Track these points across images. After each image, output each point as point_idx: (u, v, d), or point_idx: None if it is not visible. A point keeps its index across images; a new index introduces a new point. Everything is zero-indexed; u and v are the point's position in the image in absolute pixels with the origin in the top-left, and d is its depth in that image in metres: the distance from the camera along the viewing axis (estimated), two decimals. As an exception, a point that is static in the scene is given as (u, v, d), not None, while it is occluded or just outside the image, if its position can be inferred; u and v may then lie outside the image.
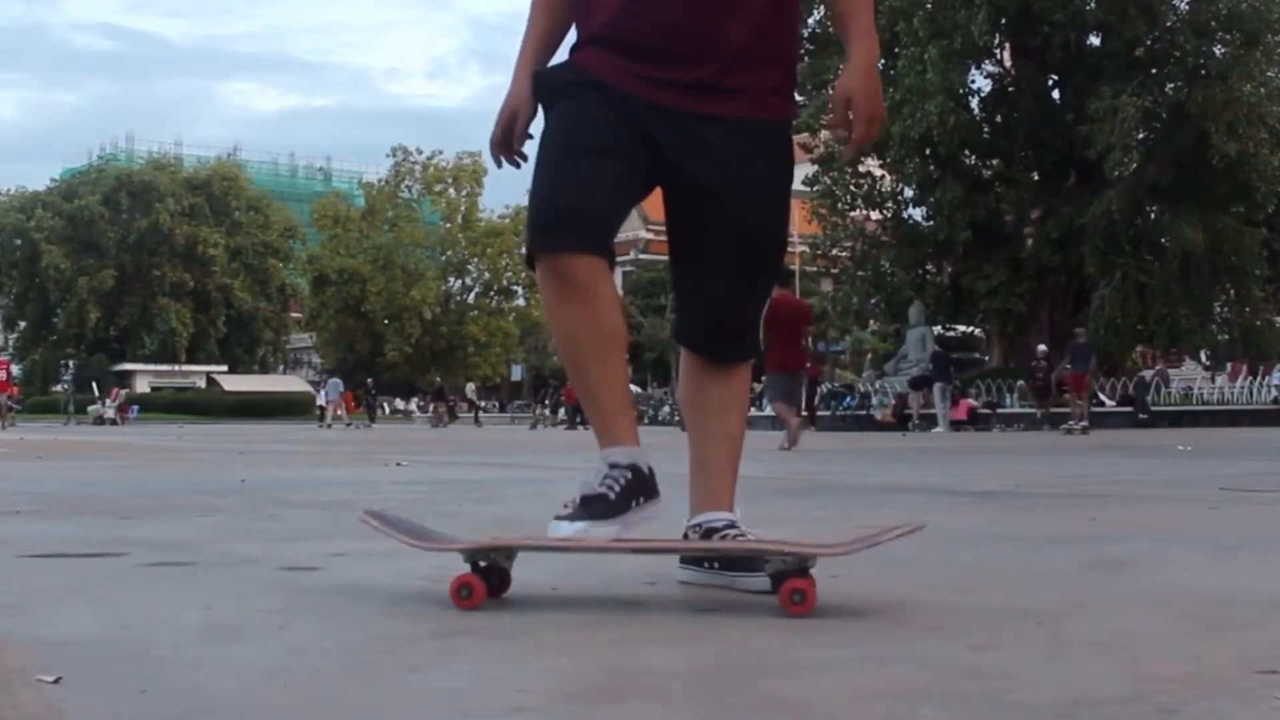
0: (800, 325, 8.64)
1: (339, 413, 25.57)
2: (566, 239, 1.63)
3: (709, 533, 1.70)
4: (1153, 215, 22.00)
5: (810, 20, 22.18)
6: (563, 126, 1.69)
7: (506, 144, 1.78)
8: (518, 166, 1.82)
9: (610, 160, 1.65)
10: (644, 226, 40.62)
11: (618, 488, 1.64)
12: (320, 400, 29.17)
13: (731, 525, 1.71)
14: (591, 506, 1.62)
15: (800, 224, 31.24)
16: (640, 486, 1.66)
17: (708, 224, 1.72)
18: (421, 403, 40.78)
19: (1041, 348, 18.77)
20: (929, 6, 20.86)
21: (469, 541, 1.66)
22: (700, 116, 1.66)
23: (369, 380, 34.53)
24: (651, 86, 1.66)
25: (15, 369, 42.86)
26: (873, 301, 23.19)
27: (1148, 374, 21.05)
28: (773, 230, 1.75)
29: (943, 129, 20.32)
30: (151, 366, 47.56)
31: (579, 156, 1.66)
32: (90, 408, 32.20)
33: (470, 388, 37.16)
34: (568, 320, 1.66)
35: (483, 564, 1.57)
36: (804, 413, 19.88)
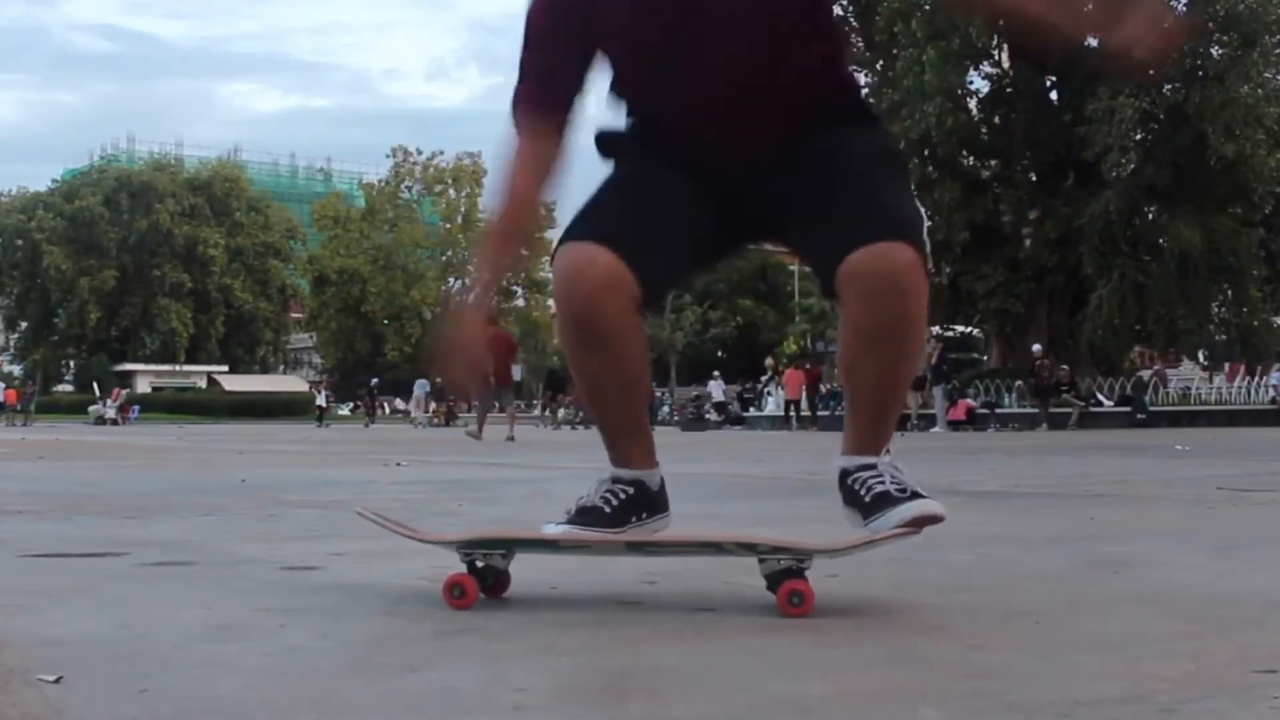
0: (509, 354, 12.53)
1: (425, 411, 25.49)
2: (599, 233, 1.51)
3: (841, 477, 1.58)
4: (1150, 216, 22.03)
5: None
6: (620, 178, 1.61)
7: (470, 372, 1.64)
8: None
9: (667, 209, 1.57)
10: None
11: (615, 501, 1.61)
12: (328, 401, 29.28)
13: (852, 472, 1.56)
14: (586, 516, 1.60)
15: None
16: (643, 502, 1.62)
17: (805, 210, 1.57)
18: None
19: (1037, 348, 18.79)
20: (927, 8, 20.86)
21: (463, 532, 1.65)
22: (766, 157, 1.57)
23: (373, 381, 34.57)
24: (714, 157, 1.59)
25: (16, 369, 42.92)
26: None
27: (1145, 374, 21.07)
28: (870, 158, 1.59)
29: (941, 130, 20.33)
30: (152, 366, 47.62)
31: (627, 197, 1.58)
32: (91, 408, 32.28)
33: (420, 384, 37.17)
34: (589, 358, 1.56)
35: (479, 564, 1.57)
36: (806, 412, 19.96)
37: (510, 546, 1.58)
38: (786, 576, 1.50)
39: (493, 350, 13.17)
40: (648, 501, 1.63)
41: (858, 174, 1.57)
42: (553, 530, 1.60)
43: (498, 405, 12.35)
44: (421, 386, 27.12)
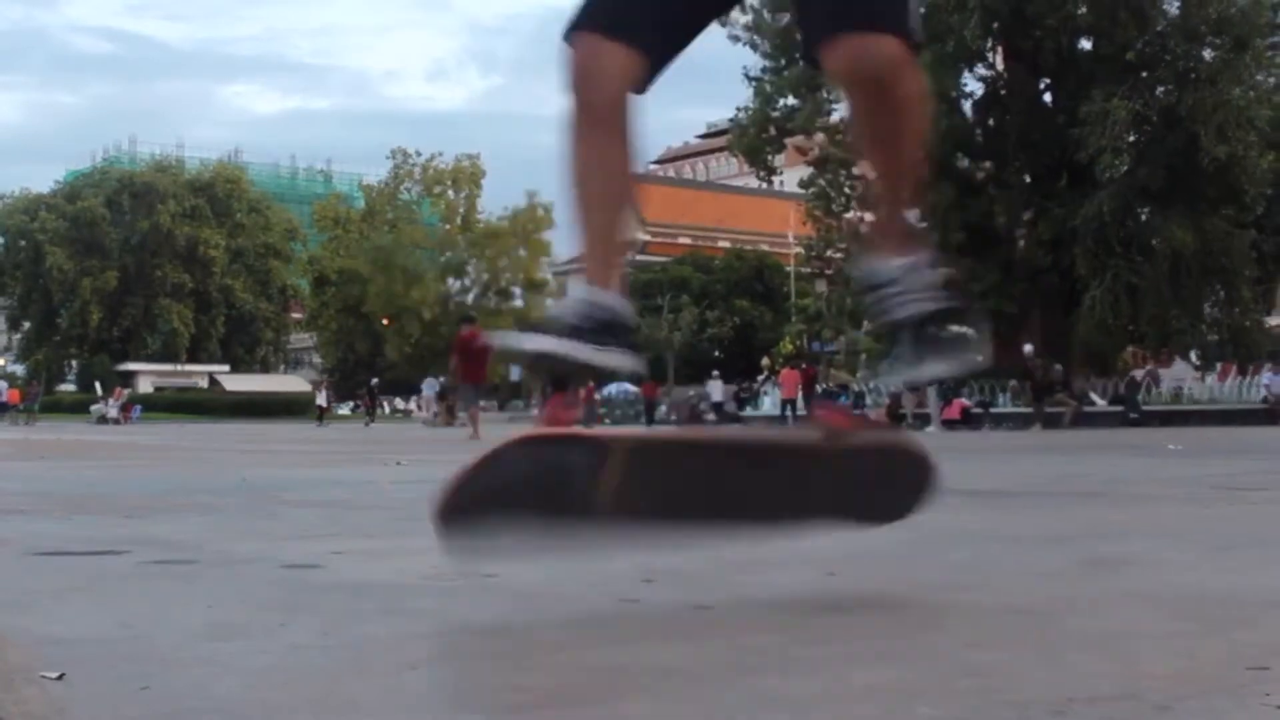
0: (484, 353, 12.33)
1: (433, 411, 25.36)
2: (583, 22, 1.48)
3: (872, 288, 1.51)
4: (1143, 217, 22.08)
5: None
6: None
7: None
8: None
9: None
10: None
11: (590, 323, 1.48)
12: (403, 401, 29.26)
13: (880, 285, 1.50)
14: (566, 331, 1.48)
15: (795, 225, 31.27)
16: (617, 329, 1.50)
17: None
18: (422, 402, 40.75)
19: (1027, 348, 18.83)
20: (922, 10, 20.85)
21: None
22: None
23: (373, 380, 34.56)
24: None
25: (19, 369, 42.86)
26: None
27: (1138, 374, 21.12)
28: None
29: (935, 132, 20.26)
30: (154, 366, 47.60)
31: None
32: (93, 407, 32.27)
33: (428, 384, 37.31)
34: (582, 148, 1.50)
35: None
36: (802, 412, 19.95)
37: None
38: None
39: (467, 349, 13.88)
40: (619, 331, 1.51)
41: None
42: (547, 344, 1.46)
43: (476, 402, 12.85)
44: (430, 386, 27.16)
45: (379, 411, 34.91)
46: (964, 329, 1.43)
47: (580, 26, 1.52)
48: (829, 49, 1.44)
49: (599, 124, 1.51)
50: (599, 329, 1.48)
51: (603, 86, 1.50)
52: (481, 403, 13.83)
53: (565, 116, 1.53)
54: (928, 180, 1.55)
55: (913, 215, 1.51)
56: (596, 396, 32.24)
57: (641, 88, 1.54)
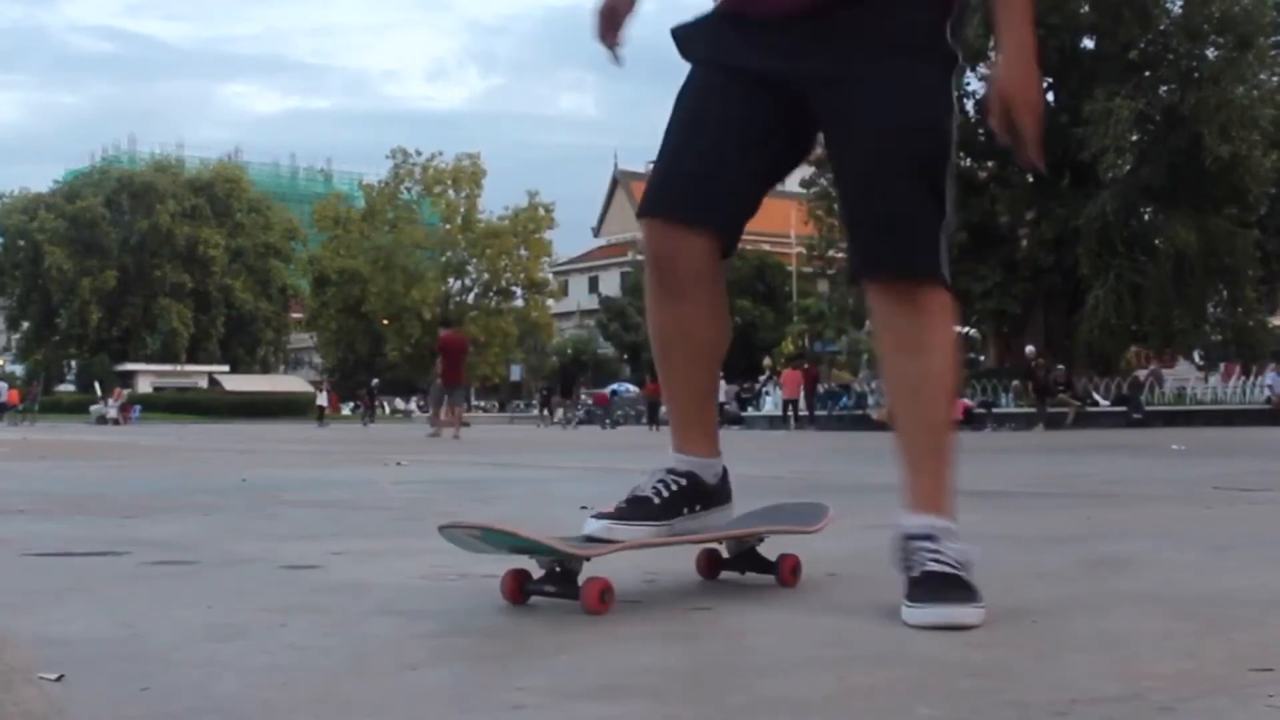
0: (462, 354, 13.32)
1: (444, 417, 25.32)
2: (656, 207, 1.55)
3: (901, 539, 1.47)
4: (1146, 217, 22.08)
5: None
6: (681, 99, 1.59)
7: (603, 36, 1.68)
8: (619, 63, 1.69)
9: (725, 128, 1.53)
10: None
11: (666, 493, 1.59)
12: (319, 400, 29.33)
13: (921, 536, 1.44)
14: (636, 508, 1.58)
15: (797, 225, 31.28)
16: (695, 494, 1.60)
17: (834, 130, 1.54)
18: (421, 402, 40.75)
19: (1030, 349, 18.82)
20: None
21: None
22: (816, 21, 1.50)
23: (374, 381, 34.60)
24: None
25: (18, 369, 42.92)
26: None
27: (1142, 374, 21.10)
28: (902, 120, 1.49)
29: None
30: (154, 367, 47.64)
31: (687, 126, 1.56)
32: (93, 407, 32.32)
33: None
34: (660, 316, 1.59)
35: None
36: (804, 412, 19.98)
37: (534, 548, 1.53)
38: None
39: (446, 351, 14.45)
40: (701, 493, 1.61)
41: (880, 162, 1.48)
42: (590, 527, 1.57)
43: (459, 402, 13.46)
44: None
45: (379, 412, 34.91)
46: (962, 618, 1.38)
47: (652, 213, 1.56)
48: (869, 287, 1.53)
49: (680, 299, 1.57)
50: (673, 500, 1.58)
51: (679, 268, 1.55)
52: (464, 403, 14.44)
53: (647, 285, 1.60)
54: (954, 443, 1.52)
55: (948, 475, 1.49)
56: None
57: (725, 254, 1.60)
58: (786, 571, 1.69)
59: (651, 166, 1.63)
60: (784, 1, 1.51)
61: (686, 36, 1.62)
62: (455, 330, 14.65)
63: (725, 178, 1.55)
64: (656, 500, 1.59)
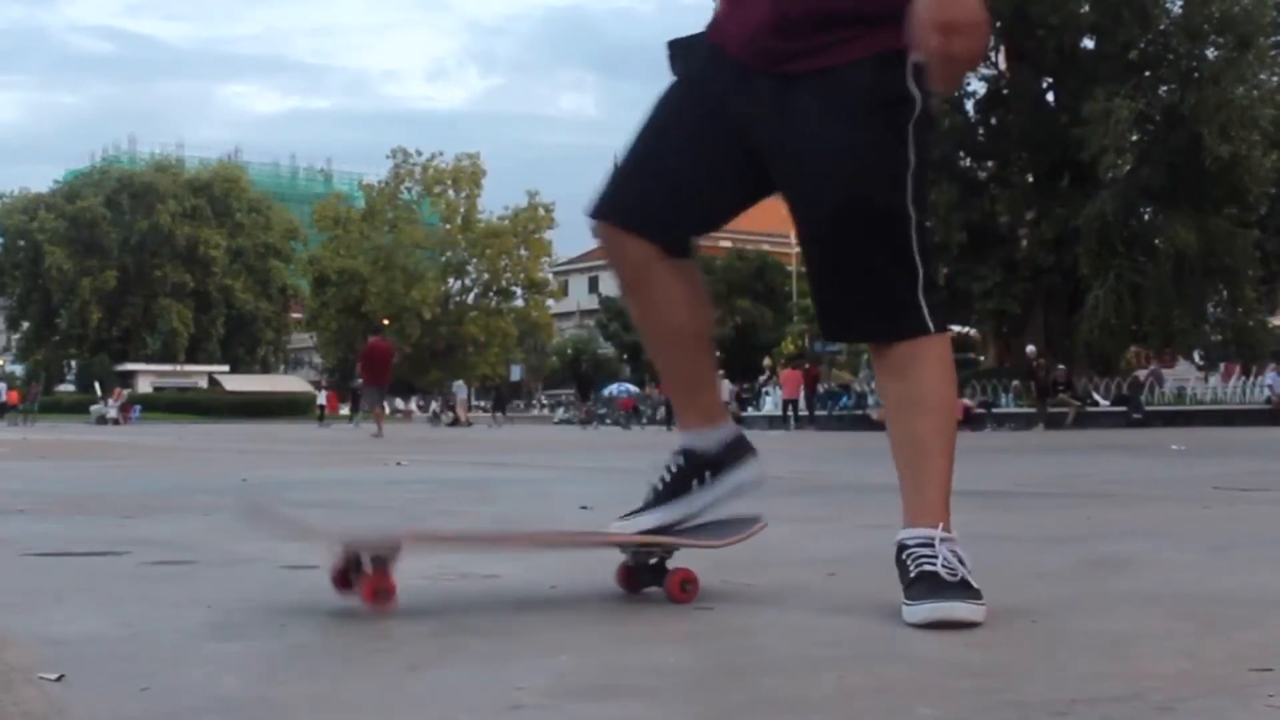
0: (386, 359, 14.05)
1: (463, 413, 25.83)
2: (598, 210, 1.60)
3: (898, 551, 1.48)
4: (1146, 217, 22.08)
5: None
6: (653, 112, 1.61)
7: None
8: None
9: (691, 151, 1.56)
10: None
11: (668, 477, 1.63)
12: (405, 404, 29.92)
13: (917, 544, 1.45)
14: (649, 499, 1.63)
15: (797, 225, 30.92)
16: (700, 466, 1.62)
17: (786, 191, 1.56)
18: (421, 402, 40.73)
19: (1031, 349, 18.82)
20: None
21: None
22: (773, 78, 1.51)
23: (358, 380, 34.59)
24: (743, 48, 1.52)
25: (18, 369, 42.91)
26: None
27: (1141, 374, 21.09)
28: (855, 190, 1.48)
29: (938, 132, 20.33)
30: (154, 367, 47.63)
31: (647, 139, 1.59)
32: (93, 407, 32.32)
33: (459, 385, 37.56)
34: (631, 307, 1.66)
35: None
36: (804, 412, 19.97)
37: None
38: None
39: (373, 357, 15.34)
40: (706, 463, 1.62)
41: (834, 229, 1.49)
42: (614, 528, 1.62)
43: (378, 402, 14.23)
44: (460, 389, 27.95)
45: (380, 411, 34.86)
46: (965, 614, 1.39)
47: (599, 215, 1.61)
48: (873, 352, 1.57)
49: (637, 290, 1.63)
50: (676, 481, 1.62)
51: (628, 265, 1.60)
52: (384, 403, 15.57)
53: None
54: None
55: (945, 490, 1.51)
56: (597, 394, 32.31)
57: (678, 255, 1.61)
58: (675, 586, 1.56)
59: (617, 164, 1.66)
60: (746, 47, 1.53)
61: (677, 51, 1.65)
62: (381, 337, 15.43)
63: (679, 201, 1.59)
64: (660, 487, 1.63)
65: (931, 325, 1.52)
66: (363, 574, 1.47)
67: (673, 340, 1.65)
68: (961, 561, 1.44)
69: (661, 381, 1.72)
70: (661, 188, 1.58)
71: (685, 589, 1.56)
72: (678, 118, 1.59)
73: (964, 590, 1.41)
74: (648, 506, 1.62)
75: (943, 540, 1.45)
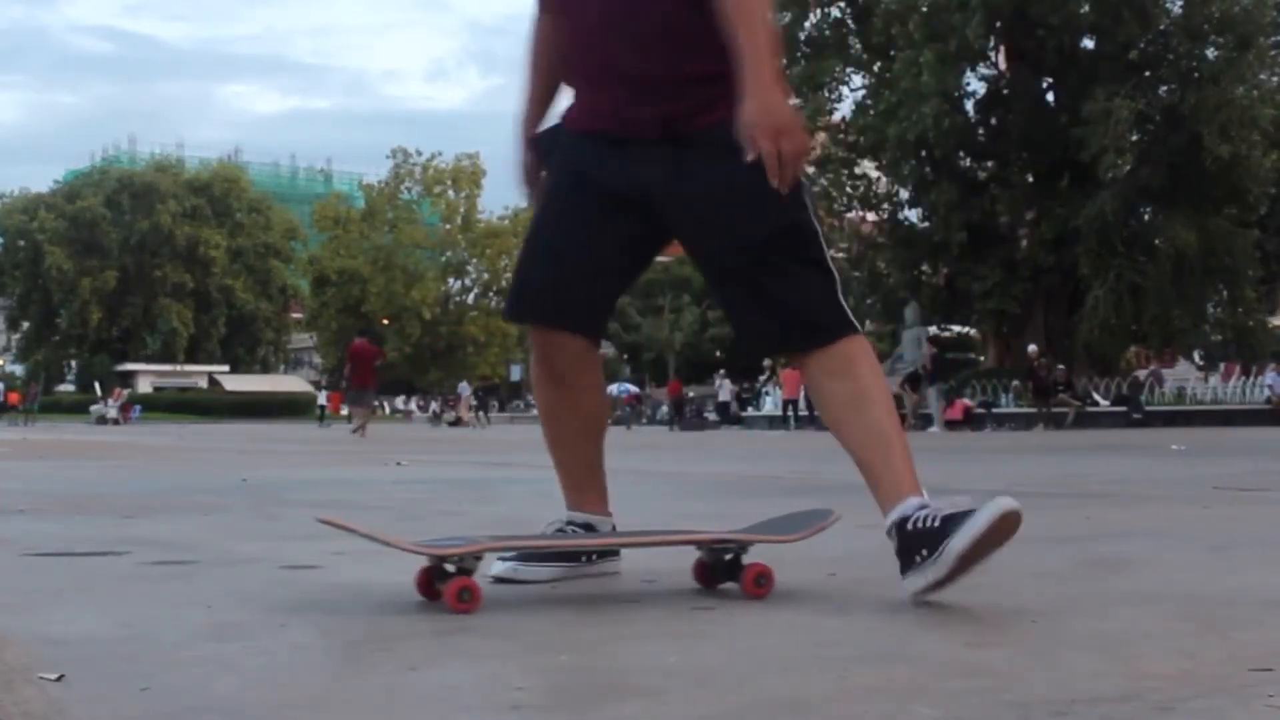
0: (372, 360, 14.45)
1: (465, 413, 25.96)
2: (528, 314, 1.73)
3: (899, 526, 1.56)
4: (1146, 217, 22.07)
5: (806, 24, 22.20)
6: (543, 205, 1.76)
7: (526, 186, 1.86)
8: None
9: (586, 240, 1.68)
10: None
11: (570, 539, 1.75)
12: (407, 405, 30.06)
13: (917, 510, 1.54)
14: (537, 556, 1.73)
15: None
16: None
17: (688, 238, 1.70)
18: (422, 402, 40.73)
19: (1032, 348, 18.82)
20: (924, 10, 20.88)
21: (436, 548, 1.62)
22: (664, 143, 1.65)
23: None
24: (615, 124, 1.67)
25: (18, 369, 42.91)
26: (869, 302, 23.27)
27: (1142, 374, 21.09)
28: (777, 214, 1.61)
29: (938, 131, 20.37)
30: (154, 367, 47.62)
31: (550, 235, 1.72)
32: (93, 407, 32.32)
33: (463, 386, 37.62)
34: (550, 402, 1.78)
35: (451, 569, 1.57)
36: (804, 412, 19.95)
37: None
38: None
39: (359, 359, 15.86)
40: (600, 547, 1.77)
41: (743, 260, 1.62)
42: (497, 568, 1.72)
43: (365, 403, 14.55)
44: (465, 388, 28.19)
45: (379, 412, 34.86)
46: (1006, 504, 1.48)
47: (529, 318, 1.75)
48: (799, 360, 1.69)
49: (560, 384, 1.77)
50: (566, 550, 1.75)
51: (558, 361, 1.75)
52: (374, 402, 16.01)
53: (533, 370, 1.80)
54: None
55: (910, 466, 1.61)
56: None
57: (598, 342, 1.79)
58: (750, 581, 1.60)
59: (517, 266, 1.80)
60: (640, 126, 1.65)
61: (544, 145, 1.79)
62: (366, 339, 15.48)
63: (582, 286, 1.71)
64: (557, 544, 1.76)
65: (855, 324, 1.67)
66: (448, 580, 1.52)
67: (585, 429, 1.80)
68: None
69: (559, 464, 1.83)
70: (578, 281, 1.71)
71: (760, 584, 1.59)
72: (572, 208, 1.71)
73: (982, 509, 1.47)
74: (552, 560, 1.74)
75: (930, 501, 1.55)
